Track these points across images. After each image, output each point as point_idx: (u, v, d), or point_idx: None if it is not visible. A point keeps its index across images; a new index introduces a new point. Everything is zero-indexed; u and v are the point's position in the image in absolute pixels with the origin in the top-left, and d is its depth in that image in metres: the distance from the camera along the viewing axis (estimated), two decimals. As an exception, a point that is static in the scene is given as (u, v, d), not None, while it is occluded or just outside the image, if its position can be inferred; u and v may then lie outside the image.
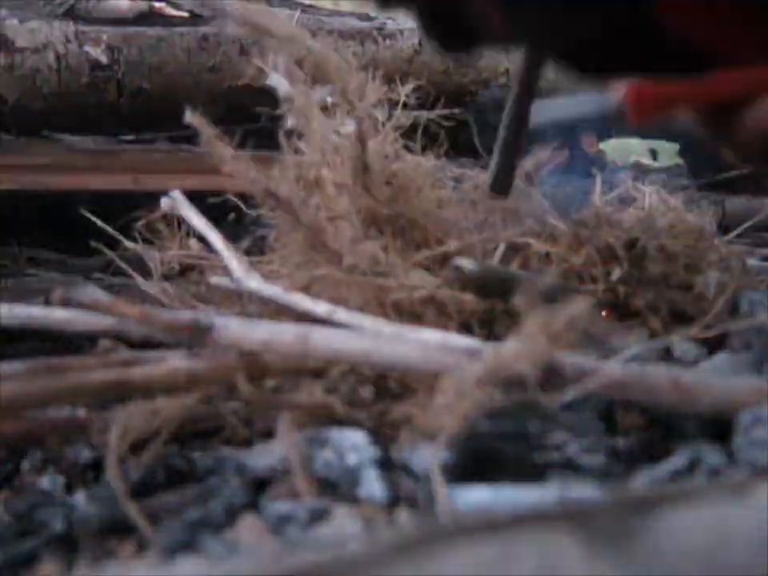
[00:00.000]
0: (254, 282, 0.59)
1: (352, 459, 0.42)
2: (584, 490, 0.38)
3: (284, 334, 0.46)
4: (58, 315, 0.52)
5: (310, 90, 0.60)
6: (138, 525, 0.39)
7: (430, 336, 0.47)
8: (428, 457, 0.40)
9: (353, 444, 0.43)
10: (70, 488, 0.45)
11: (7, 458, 0.48)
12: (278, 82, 0.59)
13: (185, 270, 0.68)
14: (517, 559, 0.26)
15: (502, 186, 0.62)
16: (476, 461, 0.41)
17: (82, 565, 0.38)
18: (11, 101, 1.00)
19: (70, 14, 1.08)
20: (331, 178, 0.59)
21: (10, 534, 0.41)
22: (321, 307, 0.52)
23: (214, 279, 0.65)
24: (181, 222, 0.68)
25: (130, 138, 1.04)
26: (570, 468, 0.40)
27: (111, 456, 0.40)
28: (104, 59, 1.04)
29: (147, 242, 0.67)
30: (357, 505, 0.40)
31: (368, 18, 1.34)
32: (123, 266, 0.68)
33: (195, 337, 0.47)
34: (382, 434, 0.45)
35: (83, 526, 0.41)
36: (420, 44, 1.28)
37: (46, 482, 0.45)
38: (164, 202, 0.70)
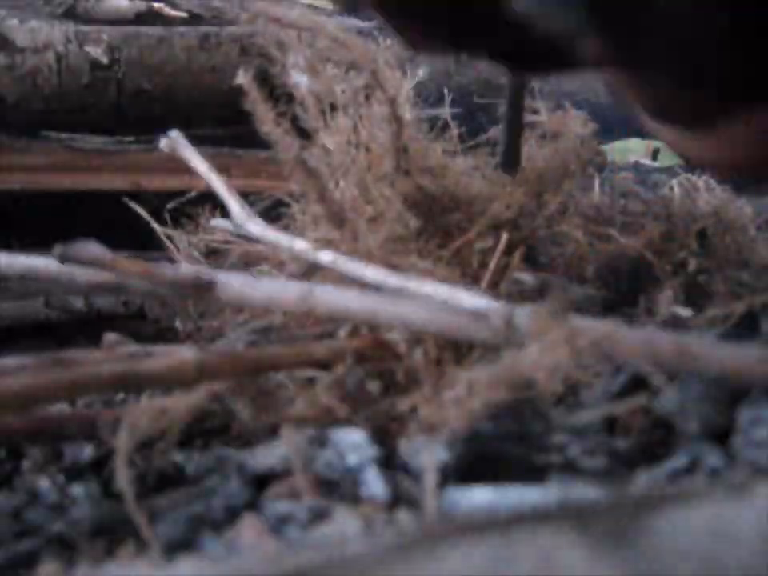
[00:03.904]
0: (255, 227, 0.58)
1: (352, 459, 0.42)
2: (585, 491, 0.38)
3: (287, 291, 0.46)
4: (58, 267, 0.50)
5: (335, 82, 0.59)
6: (138, 525, 0.39)
7: (436, 290, 0.45)
8: (429, 456, 0.39)
9: (352, 443, 0.43)
10: (69, 488, 0.44)
11: (7, 457, 0.48)
12: (299, 78, 0.58)
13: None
14: (517, 559, 0.26)
15: (511, 163, 0.62)
16: (478, 462, 0.41)
17: (82, 565, 0.38)
18: (11, 101, 1.00)
19: (70, 14, 1.08)
20: (367, 164, 0.57)
21: (9, 534, 0.41)
22: (324, 256, 0.51)
23: (214, 221, 0.63)
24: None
25: (130, 138, 1.04)
26: (571, 469, 0.40)
27: (120, 456, 0.39)
28: (104, 59, 1.04)
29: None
30: (357, 505, 0.40)
31: (368, 17, 1.34)
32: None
33: (197, 293, 0.46)
34: (386, 432, 0.45)
35: (82, 526, 0.41)
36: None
37: (45, 481, 0.45)
38: (163, 143, 0.68)
